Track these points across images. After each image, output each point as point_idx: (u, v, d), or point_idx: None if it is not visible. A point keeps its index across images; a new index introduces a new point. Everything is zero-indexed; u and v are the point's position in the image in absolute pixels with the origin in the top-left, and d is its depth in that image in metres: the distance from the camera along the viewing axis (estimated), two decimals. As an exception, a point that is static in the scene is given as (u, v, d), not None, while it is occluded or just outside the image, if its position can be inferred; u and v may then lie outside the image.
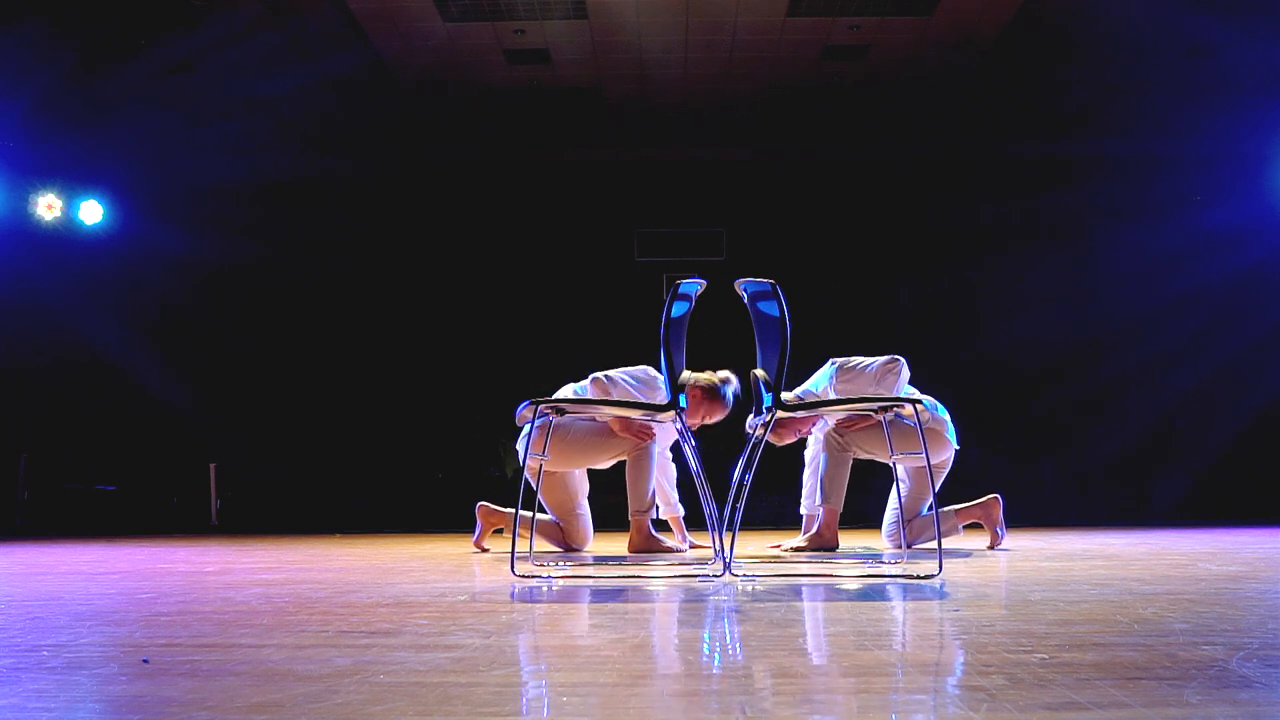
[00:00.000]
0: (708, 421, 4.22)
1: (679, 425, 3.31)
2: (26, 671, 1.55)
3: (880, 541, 4.53)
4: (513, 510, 4.15)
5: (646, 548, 4.18)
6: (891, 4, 7.20)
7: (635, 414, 3.97)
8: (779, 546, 4.36)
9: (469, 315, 9.01)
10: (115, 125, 8.20)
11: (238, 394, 8.93)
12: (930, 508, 4.28)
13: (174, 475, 8.58)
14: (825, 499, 4.25)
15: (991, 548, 4.34)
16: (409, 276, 9.10)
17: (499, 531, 4.59)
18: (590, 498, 4.50)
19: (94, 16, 6.97)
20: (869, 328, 7.84)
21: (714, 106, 8.90)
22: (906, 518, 3.88)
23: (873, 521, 4.58)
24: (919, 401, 3.15)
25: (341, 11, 7.29)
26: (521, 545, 3.59)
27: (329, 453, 8.81)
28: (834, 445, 4.25)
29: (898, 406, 3.52)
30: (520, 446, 4.22)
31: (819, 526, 4.28)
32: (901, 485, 4.28)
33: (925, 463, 3.43)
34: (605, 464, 4.28)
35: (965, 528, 4.51)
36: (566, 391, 4.32)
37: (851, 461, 4.28)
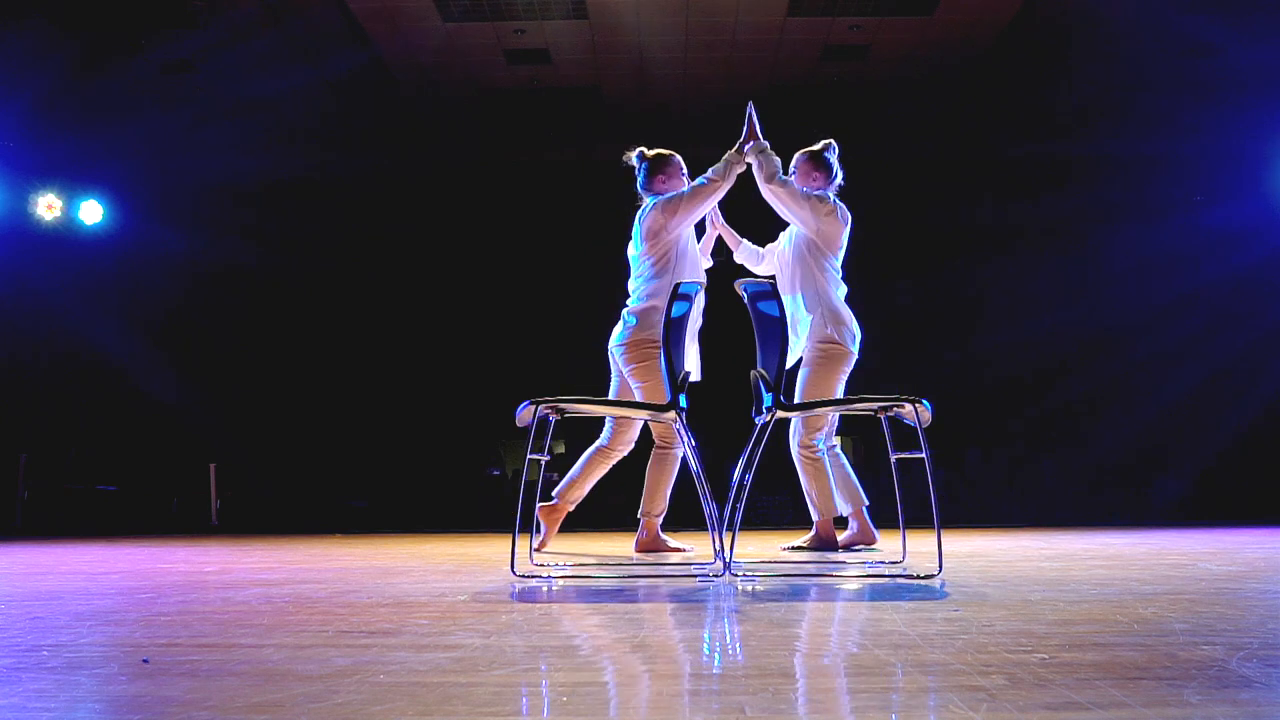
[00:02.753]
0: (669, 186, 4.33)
1: (678, 426, 3.31)
2: (26, 671, 1.55)
3: (879, 541, 4.52)
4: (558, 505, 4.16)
5: (654, 548, 4.18)
6: (891, 4, 7.20)
7: (639, 414, 3.97)
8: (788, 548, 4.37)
9: (469, 315, 9.01)
10: (115, 125, 8.21)
11: (238, 394, 8.93)
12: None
13: (174, 475, 8.58)
14: (819, 512, 4.24)
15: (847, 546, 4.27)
16: (409, 276, 9.10)
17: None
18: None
19: (94, 16, 6.98)
20: (869, 327, 7.83)
21: (714, 106, 8.90)
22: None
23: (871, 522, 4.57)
24: (919, 401, 3.14)
25: (341, 11, 7.29)
26: (521, 545, 3.59)
27: (329, 453, 8.81)
28: (803, 453, 4.24)
29: (898, 405, 3.51)
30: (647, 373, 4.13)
31: (815, 531, 4.28)
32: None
33: (926, 463, 3.43)
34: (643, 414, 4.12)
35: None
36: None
37: (828, 466, 4.27)
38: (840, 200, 4.42)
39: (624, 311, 4.26)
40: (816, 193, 4.31)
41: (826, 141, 4.48)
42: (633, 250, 4.34)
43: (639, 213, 4.37)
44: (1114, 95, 8.30)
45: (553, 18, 7.36)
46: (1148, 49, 7.68)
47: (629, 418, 4.21)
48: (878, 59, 8.03)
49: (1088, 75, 8.09)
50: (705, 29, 7.55)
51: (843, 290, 4.34)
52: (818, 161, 4.42)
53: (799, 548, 4.27)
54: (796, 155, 4.48)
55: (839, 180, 4.44)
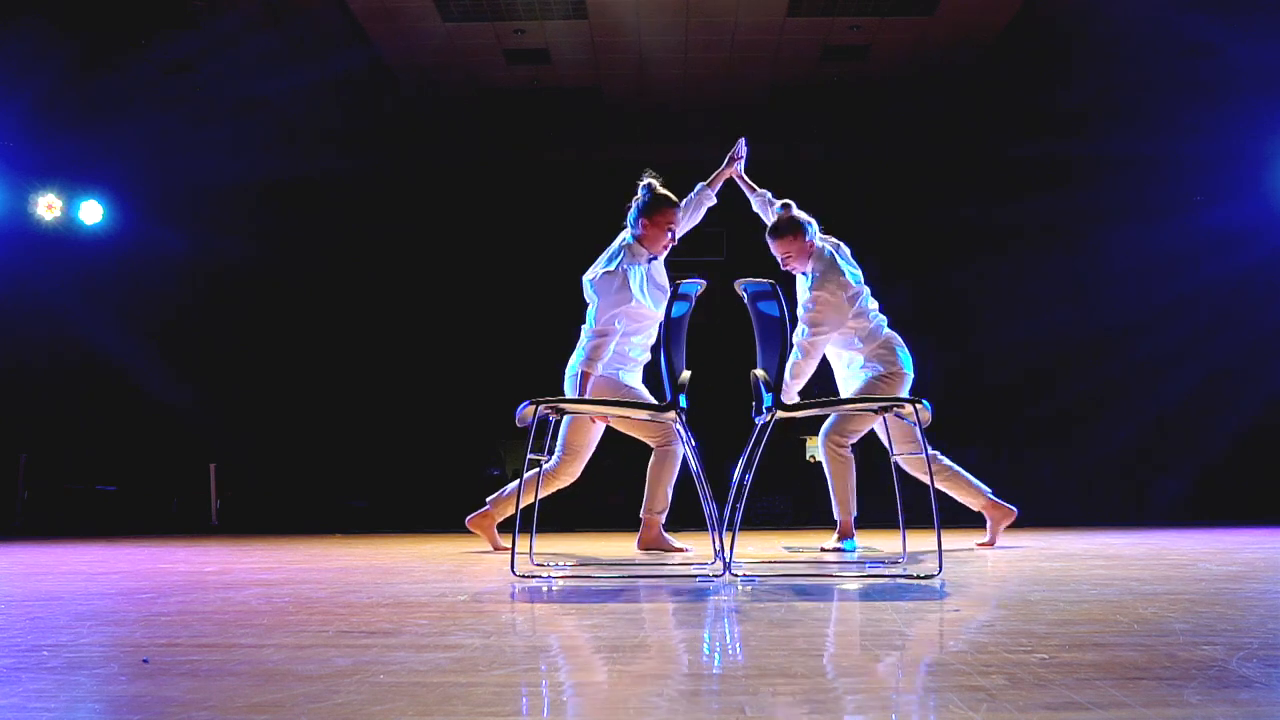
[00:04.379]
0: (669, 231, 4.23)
1: (678, 425, 3.31)
2: (26, 671, 1.55)
3: (879, 541, 4.53)
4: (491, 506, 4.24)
5: (656, 546, 4.20)
6: (891, 4, 7.20)
7: (639, 414, 3.97)
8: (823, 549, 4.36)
9: (469, 315, 9.00)
10: (115, 125, 8.21)
11: (238, 394, 8.93)
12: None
13: (174, 475, 8.58)
14: (842, 510, 4.26)
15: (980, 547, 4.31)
16: (409, 276, 9.10)
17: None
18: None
19: (94, 16, 6.98)
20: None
21: (714, 106, 8.90)
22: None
23: (870, 522, 4.58)
24: (919, 401, 3.15)
25: (342, 11, 7.29)
26: (522, 545, 3.59)
27: (329, 453, 8.80)
28: (831, 448, 4.25)
29: (898, 405, 3.52)
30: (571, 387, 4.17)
31: (839, 532, 4.29)
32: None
33: (925, 461, 3.43)
34: (634, 433, 4.18)
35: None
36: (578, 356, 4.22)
37: (853, 465, 4.28)
38: (837, 253, 4.24)
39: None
40: (812, 300, 4.12)
41: (784, 202, 4.29)
42: (590, 275, 4.22)
43: (613, 245, 4.27)
44: (1114, 95, 8.30)
45: (553, 18, 7.37)
46: (1148, 49, 7.68)
47: (576, 451, 4.20)
48: (878, 59, 8.03)
49: (1088, 75, 8.09)
50: (705, 29, 7.55)
51: (883, 320, 4.33)
52: (793, 230, 4.16)
53: (837, 549, 4.25)
54: (768, 237, 4.25)
55: (816, 228, 4.22)
